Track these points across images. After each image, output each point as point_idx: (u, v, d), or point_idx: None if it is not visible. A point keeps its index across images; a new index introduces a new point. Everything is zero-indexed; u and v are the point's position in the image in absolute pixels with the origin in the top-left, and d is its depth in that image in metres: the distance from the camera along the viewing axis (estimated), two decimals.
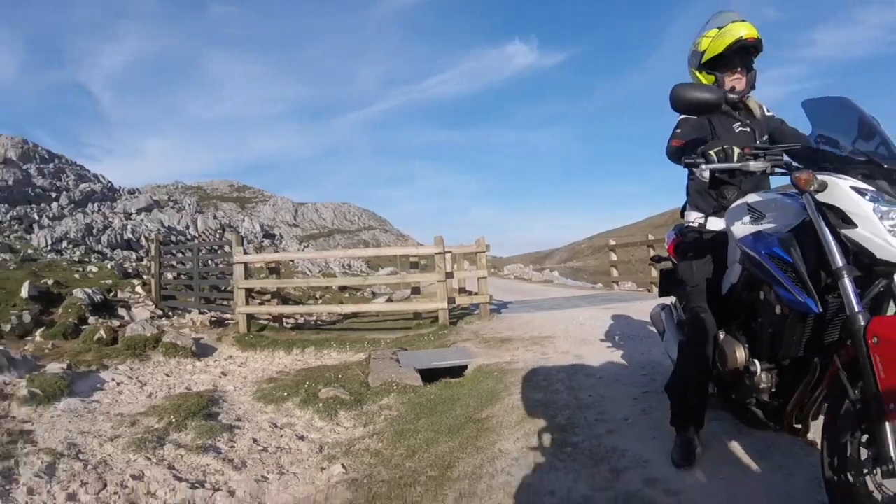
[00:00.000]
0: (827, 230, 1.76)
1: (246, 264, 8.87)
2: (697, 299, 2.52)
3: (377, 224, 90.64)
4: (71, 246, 20.12)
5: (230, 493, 3.21)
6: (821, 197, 1.79)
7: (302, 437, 4.06)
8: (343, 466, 3.35)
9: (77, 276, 14.71)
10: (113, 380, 6.34)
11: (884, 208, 1.67)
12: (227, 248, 13.12)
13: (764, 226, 2.11)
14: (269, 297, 10.56)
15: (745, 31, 2.41)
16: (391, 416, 4.27)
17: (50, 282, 12.48)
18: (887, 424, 1.56)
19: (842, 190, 1.75)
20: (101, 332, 8.65)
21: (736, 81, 2.52)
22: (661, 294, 3.39)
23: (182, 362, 7.26)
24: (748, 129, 2.56)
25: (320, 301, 13.07)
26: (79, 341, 8.75)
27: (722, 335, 2.42)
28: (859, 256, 1.73)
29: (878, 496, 1.66)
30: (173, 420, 4.40)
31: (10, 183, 28.04)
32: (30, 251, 18.00)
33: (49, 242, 19.57)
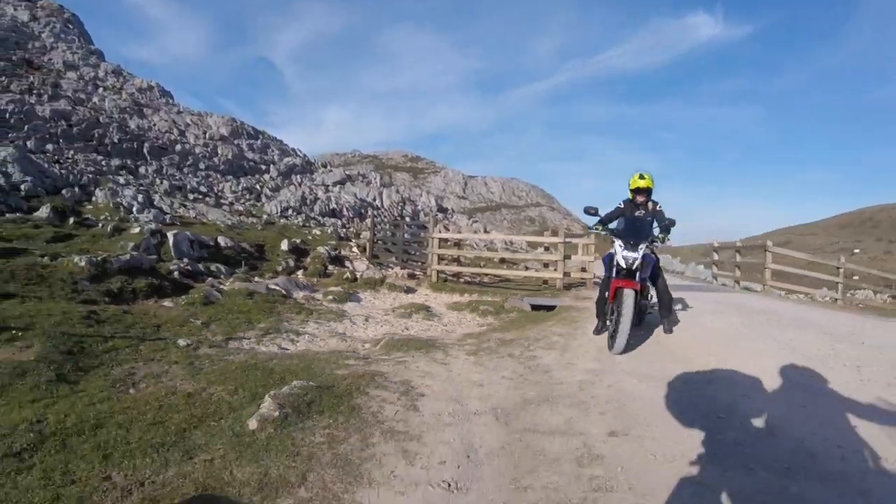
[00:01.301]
0: (616, 255, 6.96)
1: (439, 239, 14.90)
2: (607, 270, 7.76)
3: (544, 201, 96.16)
4: (294, 213, 28.06)
5: (441, 327, 9.02)
6: (617, 246, 6.99)
7: (470, 321, 9.83)
8: (486, 327, 9.03)
9: (310, 237, 21.99)
10: (366, 297, 12.60)
11: (624, 251, 6.83)
12: (405, 224, 19.43)
13: (613, 248, 7.29)
14: (448, 261, 16.53)
15: (642, 182, 7.46)
16: (511, 318, 9.90)
17: (298, 240, 19.58)
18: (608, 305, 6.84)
19: (617, 244, 6.95)
20: (347, 273, 15.21)
21: (640, 198, 7.56)
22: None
23: (399, 294, 13.40)
24: (643, 214, 7.64)
25: (484, 268, 18.94)
26: (332, 279, 15.32)
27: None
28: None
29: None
30: (412, 311, 10.44)
31: (230, 157, 37.03)
32: (265, 216, 25.92)
33: (279, 210, 27.55)
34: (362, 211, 32.11)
